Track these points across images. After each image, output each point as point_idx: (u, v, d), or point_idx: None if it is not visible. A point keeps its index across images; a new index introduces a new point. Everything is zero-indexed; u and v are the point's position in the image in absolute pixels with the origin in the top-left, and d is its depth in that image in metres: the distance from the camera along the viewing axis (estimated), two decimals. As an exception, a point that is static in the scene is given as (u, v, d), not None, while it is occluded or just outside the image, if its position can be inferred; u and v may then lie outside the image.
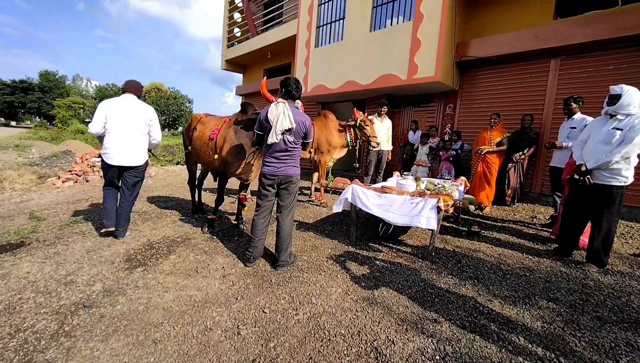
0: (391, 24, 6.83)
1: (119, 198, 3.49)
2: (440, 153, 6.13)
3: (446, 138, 6.79)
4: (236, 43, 12.66)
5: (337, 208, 3.52)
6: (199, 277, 2.72)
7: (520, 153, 5.14)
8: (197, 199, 4.62)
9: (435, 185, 3.35)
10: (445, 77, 6.16)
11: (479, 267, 3.04)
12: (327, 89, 8.19)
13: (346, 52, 7.67)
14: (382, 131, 5.44)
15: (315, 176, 5.34)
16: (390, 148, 5.78)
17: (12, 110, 49.91)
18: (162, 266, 2.90)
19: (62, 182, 6.98)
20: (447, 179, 5.82)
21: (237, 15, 12.71)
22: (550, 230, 4.09)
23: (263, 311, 2.26)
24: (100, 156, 6.28)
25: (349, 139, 5.08)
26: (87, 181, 7.30)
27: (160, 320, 2.14)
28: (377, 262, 3.10)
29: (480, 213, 5.05)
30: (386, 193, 3.35)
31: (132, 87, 3.40)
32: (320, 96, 8.82)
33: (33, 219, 4.33)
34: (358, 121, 5.03)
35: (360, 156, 5.54)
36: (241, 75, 13.88)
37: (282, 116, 2.63)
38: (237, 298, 2.41)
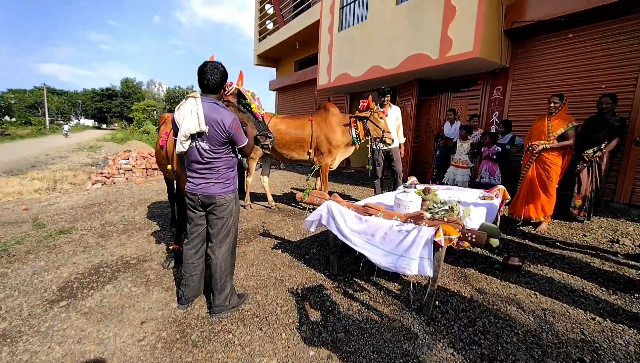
0: (421, -7, 5.59)
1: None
2: (482, 148, 4.81)
3: (492, 129, 5.39)
4: (268, 37, 12.23)
5: (311, 227, 2.72)
6: (114, 322, 2.19)
7: (595, 148, 3.66)
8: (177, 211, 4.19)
9: (438, 204, 2.29)
10: (489, 51, 4.79)
11: (504, 337, 1.98)
12: (351, 77, 7.22)
13: (370, 33, 6.60)
14: (389, 124, 4.39)
15: (318, 181, 4.55)
16: (402, 140, 4.65)
17: (102, 114, 58.18)
18: (87, 301, 2.44)
19: (92, 184, 7.29)
20: (484, 182, 4.56)
21: (268, 6, 12.25)
22: (641, 268, 2.73)
23: (146, 395, 1.61)
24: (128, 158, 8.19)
25: (354, 135, 4.15)
26: (114, 183, 7.54)
27: (15, 395, 1.63)
28: (351, 311, 2.24)
29: (533, 232, 3.75)
30: (369, 214, 2.44)
31: None
32: (345, 86, 7.88)
33: (34, 227, 4.35)
34: (372, 113, 4.08)
35: (372, 154, 4.54)
36: (274, 69, 13.49)
37: (188, 116, 1.94)
38: (129, 366, 1.80)
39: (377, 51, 6.41)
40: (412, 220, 2.23)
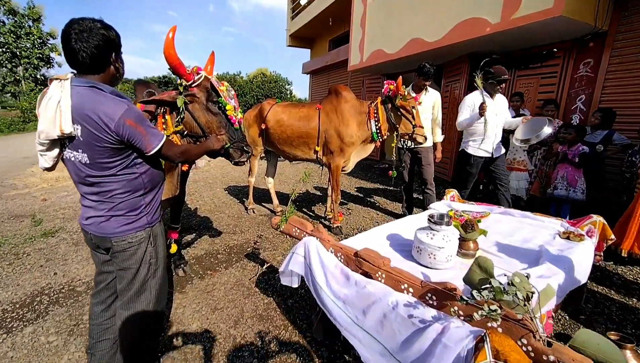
0: None
1: None
2: (560, 148, 3.46)
3: (574, 120, 3.94)
4: (300, 14, 11.22)
5: (291, 284, 1.85)
6: (-9, 401, 1.57)
7: None
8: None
9: (491, 288, 1.18)
10: (579, 8, 3.34)
11: None
12: (385, 54, 6.01)
13: (410, -2, 5.31)
14: (424, 115, 3.24)
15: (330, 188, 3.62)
16: (439, 139, 3.49)
17: (157, 101, 62.59)
18: (-11, 354, 1.87)
19: (113, 174, 7.16)
20: (559, 195, 3.28)
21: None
22: None
23: None
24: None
25: (374, 130, 3.11)
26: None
27: None
28: None
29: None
30: (364, 271, 1.48)
31: None
32: (379, 66, 6.68)
33: (31, 224, 4.11)
34: (401, 99, 3.01)
35: (400, 155, 3.48)
36: (309, 51, 12.50)
37: (43, 110, 1.15)
38: None
39: (418, 19, 5.13)
40: (434, 299, 1.24)
